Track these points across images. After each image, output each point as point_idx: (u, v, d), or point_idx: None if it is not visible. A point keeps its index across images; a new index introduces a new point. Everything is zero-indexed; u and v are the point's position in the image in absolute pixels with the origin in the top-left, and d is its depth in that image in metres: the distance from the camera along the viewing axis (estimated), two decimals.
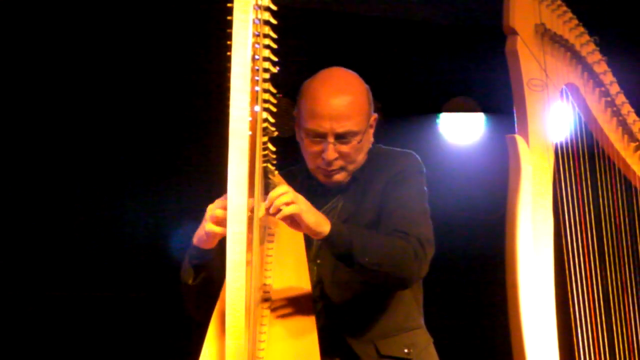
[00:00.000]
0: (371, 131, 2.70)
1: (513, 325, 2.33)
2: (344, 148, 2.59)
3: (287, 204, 2.27)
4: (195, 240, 2.42)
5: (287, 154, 2.58)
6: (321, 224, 2.35)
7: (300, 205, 2.30)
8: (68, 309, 4.99)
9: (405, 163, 2.68)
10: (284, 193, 2.28)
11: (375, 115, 2.70)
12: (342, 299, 2.58)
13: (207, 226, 2.31)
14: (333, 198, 2.69)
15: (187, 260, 2.49)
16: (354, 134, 2.59)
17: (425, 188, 2.67)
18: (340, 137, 2.58)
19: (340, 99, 2.58)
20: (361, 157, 2.67)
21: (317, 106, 2.57)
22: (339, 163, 2.61)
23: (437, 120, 5.55)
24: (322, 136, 2.58)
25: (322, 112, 2.56)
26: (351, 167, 2.65)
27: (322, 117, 2.56)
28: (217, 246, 2.35)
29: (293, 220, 2.31)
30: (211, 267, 2.41)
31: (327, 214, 2.65)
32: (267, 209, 2.25)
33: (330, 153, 2.58)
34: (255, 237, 2.19)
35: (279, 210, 2.26)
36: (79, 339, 4.97)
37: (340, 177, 2.65)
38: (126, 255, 5.10)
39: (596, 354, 2.44)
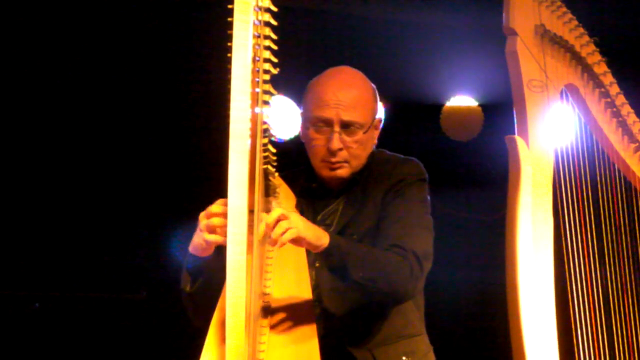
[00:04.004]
0: (376, 133, 2.72)
1: (513, 326, 2.33)
2: (349, 140, 2.61)
3: (284, 232, 2.21)
4: (191, 248, 2.40)
5: (288, 157, 2.58)
6: (320, 237, 2.33)
7: (297, 228, 2.24)
8: (68, 309, 5.00)
9: (406, 171, 2.67)
10: (278, 219, 2.21)
11: (380, 118, 2.71)
12: (340, 304, 2.55)
13: (205, 236, 2.25)
14: (334, 201, 2.69)
15: (185, 268, 2.47)
16: (359, 125, 2.61)
17: (428, 197, 2.67)
18: (345, 127, 2.60)
19: (347, 90, 2.62)
20: (364, 155, 2.67)
21: (325, 95, 2.61)
22: (343, 155, 2.62)
23: (438, 120, 5.56)
24: (328, 123, 2.60)
25: (329, 100, 2.60)
26: (354, 163, 2.65)
27: (328, 105, 2.60)
28: (214, 252, 2.33)
29: (294, 240, 2.28)
30: (208, 273, 2.38)
31: (327, 217, 2.65)
32: (268, 237, 2.20)
33: (335, 142, 2.59)
34: (255, 238, 2.19)
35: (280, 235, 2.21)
36: (79, 340, 4.98)
37: (343, 172, 2.65)
38: (127, 256, 5.11)
39: (596, 354, 2.44)
